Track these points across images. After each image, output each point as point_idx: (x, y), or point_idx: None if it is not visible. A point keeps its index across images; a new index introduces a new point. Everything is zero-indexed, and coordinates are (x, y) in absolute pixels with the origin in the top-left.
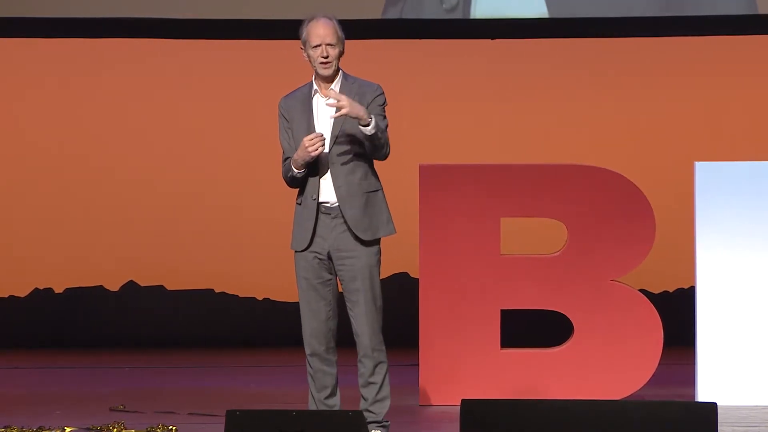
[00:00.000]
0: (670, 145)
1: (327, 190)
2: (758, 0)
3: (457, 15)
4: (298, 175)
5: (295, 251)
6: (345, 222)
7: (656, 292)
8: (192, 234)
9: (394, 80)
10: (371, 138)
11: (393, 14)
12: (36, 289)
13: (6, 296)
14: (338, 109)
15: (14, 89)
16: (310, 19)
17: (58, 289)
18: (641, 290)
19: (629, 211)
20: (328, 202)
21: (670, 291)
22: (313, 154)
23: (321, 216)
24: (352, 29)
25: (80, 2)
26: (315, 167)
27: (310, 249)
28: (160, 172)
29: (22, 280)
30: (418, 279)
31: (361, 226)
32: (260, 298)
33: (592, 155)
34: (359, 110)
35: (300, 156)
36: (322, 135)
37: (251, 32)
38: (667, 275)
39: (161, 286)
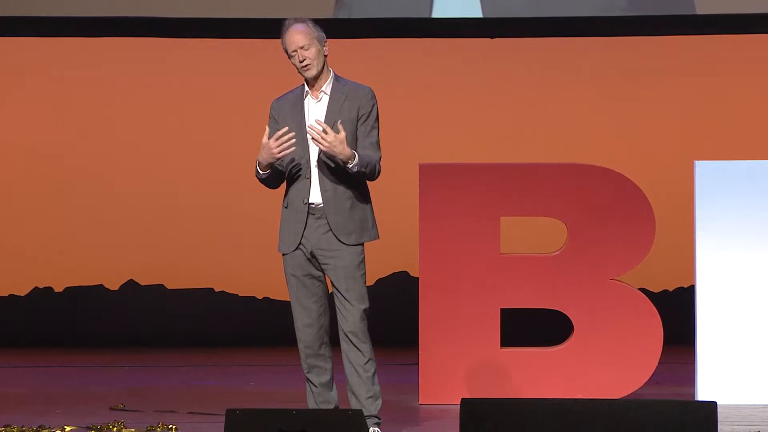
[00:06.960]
0: (670, 144)
1: (315, 193)
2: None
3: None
4: (263, 176)
5: (283, 254)
6: (328, 223)
7: (656, 291)
8: (192, 234)
9: (394, 79)
10: (354, 174)
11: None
12: (36, 288)
13: (6, 295)
14: (318, 135)
15: (14, 89)
16: (284, 30)
17: (58, 289)
18: (641, 289)
19: (629, 211)
20: (314, 204)
21: (670, 290)
22: (278, 155)
23: (308, 217)
24: (354, 28)
25: (75, 2)
26: (306, 170)
27: (298, 249)
28: (159, 172)
29: (22, 279)
30: (418, 278)
31: (345, 231)
32: (260, 298)
33: (592, 155)
34: (341, 152)
35: (264, 158)
36: (292, 134)
37: (248, 31)
38: (666, 274)
39: (161, 286)
